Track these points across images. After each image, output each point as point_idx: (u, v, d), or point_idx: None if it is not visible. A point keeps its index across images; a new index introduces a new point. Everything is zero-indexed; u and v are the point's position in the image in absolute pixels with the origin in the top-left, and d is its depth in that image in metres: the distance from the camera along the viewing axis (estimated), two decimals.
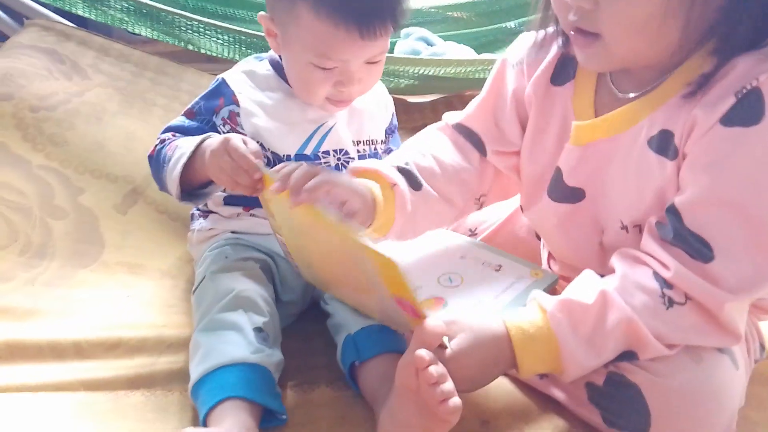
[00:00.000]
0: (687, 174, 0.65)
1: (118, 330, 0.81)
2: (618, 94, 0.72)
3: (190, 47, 1.30)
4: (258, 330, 0.74)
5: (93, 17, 1.27)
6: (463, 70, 1.36)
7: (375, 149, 0.94)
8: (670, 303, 0.64)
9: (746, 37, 0.62)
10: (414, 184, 0.79)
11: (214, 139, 0.77)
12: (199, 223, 0.93)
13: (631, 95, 0.71)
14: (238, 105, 0.86)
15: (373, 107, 0.95)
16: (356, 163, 0.81)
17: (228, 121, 0.86)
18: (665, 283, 0.64)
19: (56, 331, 0.79)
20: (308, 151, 0.88)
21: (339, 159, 0.90)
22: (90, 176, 1.06)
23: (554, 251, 0.84)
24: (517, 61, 0.81)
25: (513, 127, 0.82)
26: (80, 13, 1.27)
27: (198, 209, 0.95)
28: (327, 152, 0.89)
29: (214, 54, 1.29)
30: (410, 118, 1.43)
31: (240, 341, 0.72)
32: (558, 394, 0.72)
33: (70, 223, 0.98)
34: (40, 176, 1.02)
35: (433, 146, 0.85)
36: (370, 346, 0.73)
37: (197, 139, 0.79)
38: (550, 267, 0.86)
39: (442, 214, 0.83)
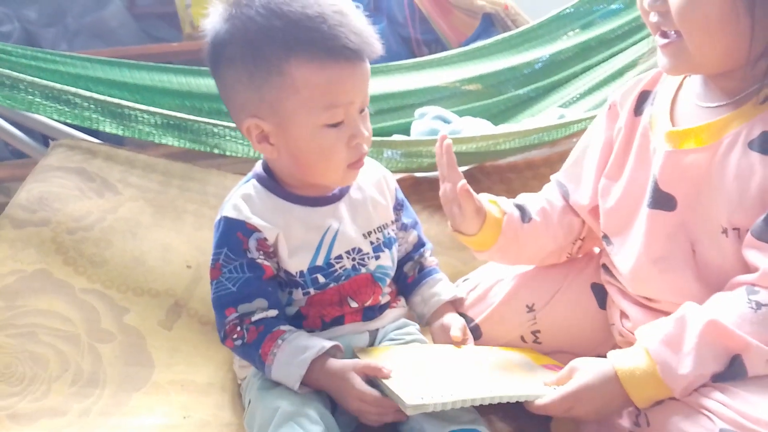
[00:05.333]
0: None
1: None
2: (701, 104, 0.78)
3: (216, 151, 1.31)
4: None
5: (121, 133, 1.29)
6: (484, 145, 1.36)
7: (388, 233, 0.92)
8: (758, 306, 0.68)
9: None
10: (524, 217, 0.93)
11: (341, 380, 0.79)
12: None
13: (714, 105, 0.76)
14: (257, 231, 0.84)
15: (373, 191, 0.92)
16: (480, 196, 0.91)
17: (261, 248, 0.84)
18: (752, 289, 0.69)
19: None
20: (320, 262, 0.86)
21: (354, 259, 0.88)
22: (132, 294, 1.05)
23: (642, 284, 0.84)
24: (610, 106, 0.91)
25: (591, 176, 0.91)
26: (107, 130, 1.28)
27: None
28: (340, 257, 0.87)
29: (240, 156, 1.31)
30: (436, 195, 1.42)
31: None
32: None
33: (118, 345, 0.96)
34: (85, 300, 1.01)
35: (545, 193, 0.98)
36: None
37: (304, 361, 0.79)
38: (623, 325, 0.87)
39: (544, 247, 0.94)
